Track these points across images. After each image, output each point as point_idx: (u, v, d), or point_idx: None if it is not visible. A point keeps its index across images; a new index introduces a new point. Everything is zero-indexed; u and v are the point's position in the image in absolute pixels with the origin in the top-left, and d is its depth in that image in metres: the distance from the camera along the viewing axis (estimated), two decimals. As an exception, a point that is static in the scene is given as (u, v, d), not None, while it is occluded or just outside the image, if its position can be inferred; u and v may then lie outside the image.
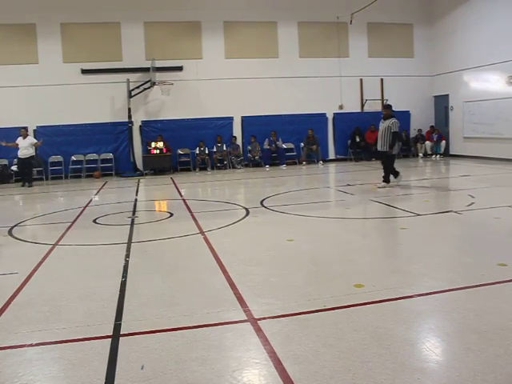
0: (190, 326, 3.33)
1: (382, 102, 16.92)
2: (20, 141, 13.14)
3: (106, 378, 2.65)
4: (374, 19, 16.32)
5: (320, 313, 3.47)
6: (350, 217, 7.54)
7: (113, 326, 3.35)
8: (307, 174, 14.34)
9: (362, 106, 17.00)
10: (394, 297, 3.71)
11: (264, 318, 3.39)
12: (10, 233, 6.87)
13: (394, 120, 9.73)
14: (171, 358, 2.87)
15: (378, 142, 10.08)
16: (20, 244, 6.24)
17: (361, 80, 16.89)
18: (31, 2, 14.34)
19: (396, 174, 10.00)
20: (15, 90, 14.24)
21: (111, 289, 4.17)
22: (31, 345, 3.11)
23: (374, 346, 2.90)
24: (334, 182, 12.71)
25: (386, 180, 9.88)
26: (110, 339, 3.15)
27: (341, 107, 16.85)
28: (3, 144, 13.08)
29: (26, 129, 13.48)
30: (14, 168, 14.01)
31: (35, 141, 13.50)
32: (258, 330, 3.19)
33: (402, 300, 3.66)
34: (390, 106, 10.41)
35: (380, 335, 3.04)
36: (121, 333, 3.25)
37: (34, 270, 4.84)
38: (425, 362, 2.71)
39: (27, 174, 13.33)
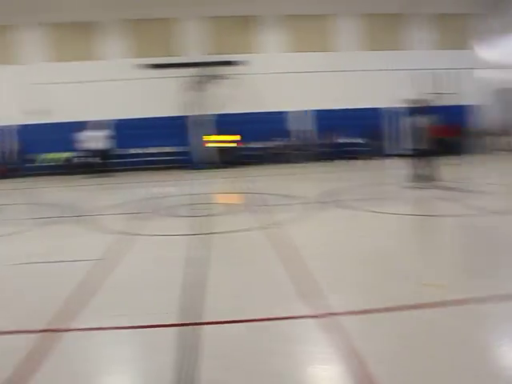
0: (262, 318, 3.29)
1: (450, 96, 16.16)
2: (91, 133, 13.82)
3: (176, 366, 2.64)
4: (439, 10, 15.65)
5: (394, 312, 3.32)
6: (423, 214, 7.27)
7: (186, 315, 3.37)
8: (376, 169, 14.05)
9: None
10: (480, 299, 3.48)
11: (341, 314, 3.27)
12: (84, 221, 7.16)
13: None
14: (245, 349, 2.85)
15: None
16: (96, 233, 6.47)
17: (425, 73, 16.04)
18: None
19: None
20: (92, 85, 15.16)
21: (185, 279, 4.18)
22: (103, 328, 3.21)
23: (461, 350, 2.70)
24: (405, 177, 12.25)
25: None
26: (183, 328, 3.16)
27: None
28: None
29: (98, 122, 14.15)
30: (94, 160, 14.63)
31: (107, 133, 14.18)
32: (334, 326, 3.08)
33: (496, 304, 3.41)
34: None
35: (465, 340, 2.83)
36: (194, 322, 3.26)
37: (114, 259, 4.98)
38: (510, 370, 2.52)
39: (104, 165, 14.03)
